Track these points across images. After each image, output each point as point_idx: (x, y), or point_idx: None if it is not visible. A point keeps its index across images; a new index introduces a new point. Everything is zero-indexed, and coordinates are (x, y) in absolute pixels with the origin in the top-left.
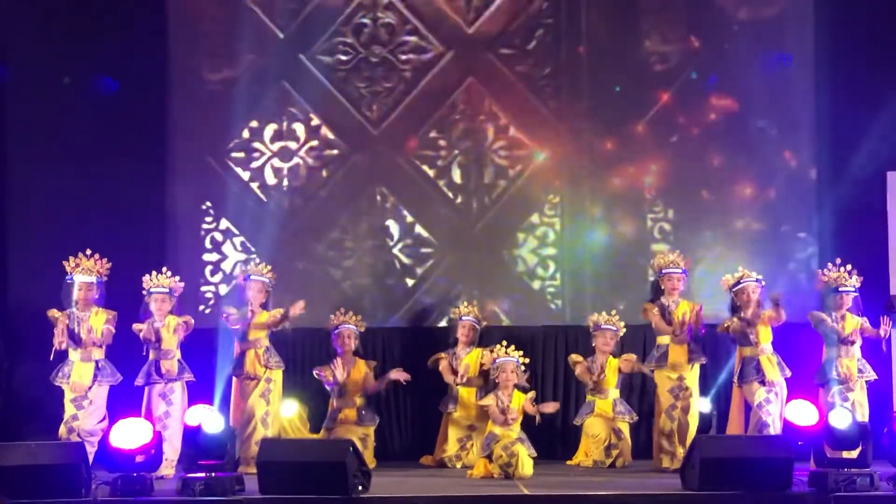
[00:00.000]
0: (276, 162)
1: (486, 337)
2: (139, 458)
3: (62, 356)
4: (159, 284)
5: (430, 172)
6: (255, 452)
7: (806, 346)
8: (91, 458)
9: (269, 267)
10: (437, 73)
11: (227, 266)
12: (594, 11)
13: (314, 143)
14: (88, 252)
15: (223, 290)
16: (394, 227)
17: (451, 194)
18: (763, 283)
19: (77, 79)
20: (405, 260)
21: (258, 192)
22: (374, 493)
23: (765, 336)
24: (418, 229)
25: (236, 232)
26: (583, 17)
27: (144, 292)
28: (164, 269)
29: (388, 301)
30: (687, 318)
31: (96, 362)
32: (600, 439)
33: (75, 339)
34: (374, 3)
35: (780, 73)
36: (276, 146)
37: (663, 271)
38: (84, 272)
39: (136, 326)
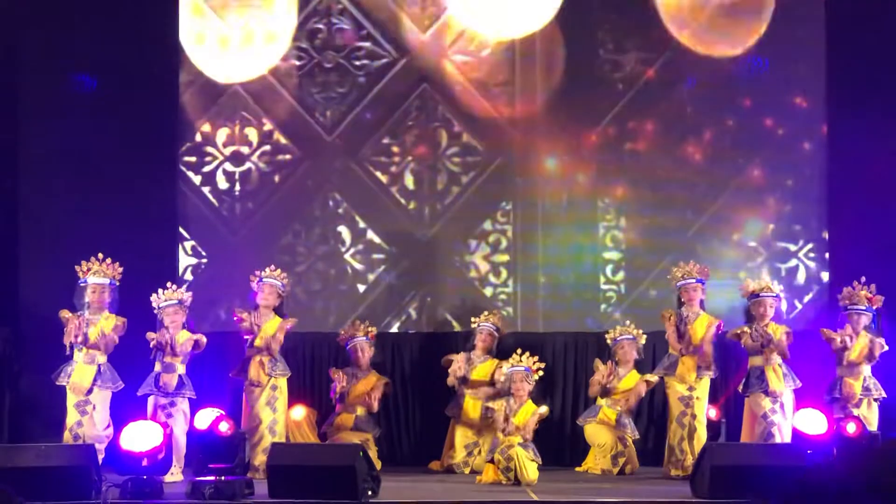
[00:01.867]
0: (228, 166)
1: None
2: (144, 462)
3: (68, 357)
4: (168, 298)
5: (383, 178)
6: (263, 460)
7: (818, 356)
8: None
9: (281, 272)
10: (390, 79)
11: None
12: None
13: (267, 147)
14: (101, 256)
15: None
16: (346, 232)
17: (403, 200)
18: (782, 297)
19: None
20: (357, 266)
21: (210, 196)
22: (384, 497)
23: (774, 350)
24: (370, 235)
25: (187, 236)
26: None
27: (155, 310)
28: (169, 283)
29: (340, 307)
30: (699, 338)
31: (98, 366)
32: (607, 448)
33: (84, 339)
34: (329, 9)
35: (780, 74)
36: (229, 150)
37: (679, 284)
38: (96, 275)
39: (150, 335)
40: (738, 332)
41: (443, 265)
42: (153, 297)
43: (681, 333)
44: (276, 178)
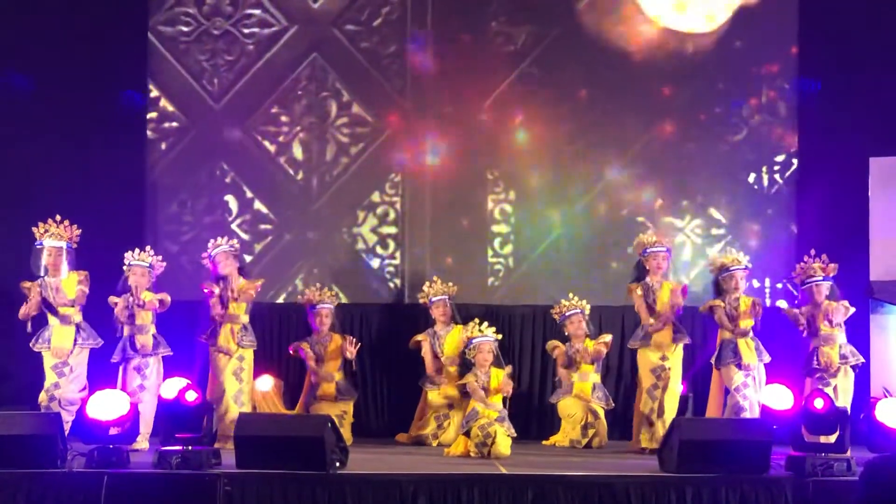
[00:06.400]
0: None
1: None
2: (113, 431)
3: (42, 322)
4: (140, 259)
5: (271, 148)
6: (228, 430)
7: (788, 331)
8: (68, 427)
9: (226, 238)
10: (280, 48)
11: None
12: None
13: (153, 115)
14: (58, 218)
15: None
16: (233, 202)
17: (291, 170)
18: (750, 267)
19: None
20: (244, 236)
21: None
22: (352, 469)
23: (745, 321)
24: (257, 205)
25: None
26: None
27: (125, 266)
28: (147, 247)
29: None
30: (668, 310)
31: (76, 325)
32: (577, 419)
33: (49, 306)
34: None
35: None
36: None
37: (647, 251)
38: (53, 237)
39: (112, 299)
40: (712, 304)
41: (330, 236)
42: (127, 254)
43: (650, 305)
44: (163, 146)
